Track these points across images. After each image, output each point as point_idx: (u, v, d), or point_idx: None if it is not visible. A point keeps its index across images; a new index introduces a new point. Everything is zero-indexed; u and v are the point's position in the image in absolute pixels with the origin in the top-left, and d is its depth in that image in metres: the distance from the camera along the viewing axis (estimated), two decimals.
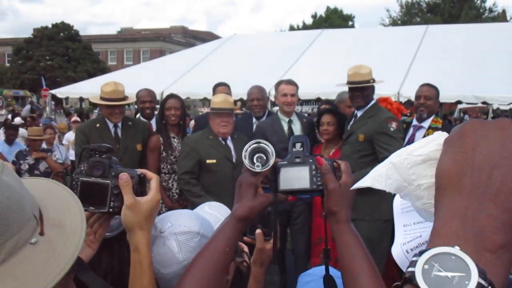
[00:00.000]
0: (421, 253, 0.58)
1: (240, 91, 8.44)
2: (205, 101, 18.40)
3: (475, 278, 0.54)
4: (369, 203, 4.54)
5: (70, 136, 11.64)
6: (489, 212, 0.59)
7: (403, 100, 9.99)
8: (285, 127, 5.44)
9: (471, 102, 11.17)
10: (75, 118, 14.80)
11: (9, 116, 19.04)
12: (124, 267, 2.43)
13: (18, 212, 1.05)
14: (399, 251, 1.32)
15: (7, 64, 60.10)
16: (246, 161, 1.31)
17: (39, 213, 1.13)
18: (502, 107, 14.50)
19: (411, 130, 5.35)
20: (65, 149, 9.41)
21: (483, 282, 0.54)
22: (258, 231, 1.77)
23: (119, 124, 5.26)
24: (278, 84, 5.69)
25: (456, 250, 0.56)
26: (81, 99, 15.70)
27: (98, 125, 5.27)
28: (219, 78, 7.14)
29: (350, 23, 52.02)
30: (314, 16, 52.96)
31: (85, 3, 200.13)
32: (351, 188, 1.19)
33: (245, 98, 7.95)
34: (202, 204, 2.19)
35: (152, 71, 13.66)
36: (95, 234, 1.51)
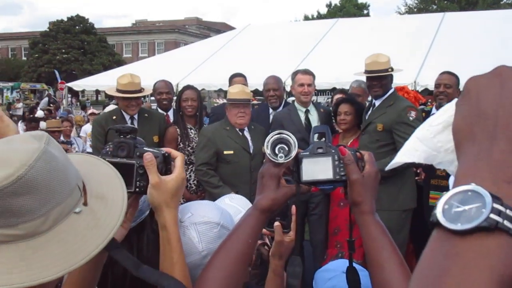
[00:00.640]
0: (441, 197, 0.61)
1: (254, 82, 8.41)
2: (220, 92, 18.40)
3: (489, 204, 0.56)
4: (388, 193, 4.51)
5: (87, 128, 11.72)
6: (501, 148, 0.61)
7: (420, 89, 9.90)
8: (302, 117, 5.41)
9: None
10: (92, 110, 14.91)
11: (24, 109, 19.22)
12: (142, 260, 2.44)
13: (64, 182, 1.10)
14: None
15: (24, 58, 60.68)
16: (268, 152, 1.29)
17: (82, 184, 1.17)
18: None
19: None
20: (83, 141, 9.48)
21: (499, 207, 0.56)
22: (276, 223, 1.75)
23: (136, 116, 5.28)
24: (295, 74, 5.65)
25: (472, 186, 0.58)
26: (97, 92, 15.82)
27: (114, 117, 5.29)
28: (234, 69, 7.12)
29: (365, 11, 51.64)
30: (328, 6, 52.69)
31: None
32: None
33: (260, 88, 7.93)
34: (221, 195, 2.19)
35: (167, 63, 13.68)
36: (127, 214, 1.52)
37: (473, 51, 11.07)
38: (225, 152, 4.84)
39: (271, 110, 5.85)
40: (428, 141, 0.92)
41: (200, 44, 16.38)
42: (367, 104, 5.34)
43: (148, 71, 10.59)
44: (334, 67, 10.77)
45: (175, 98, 6.43)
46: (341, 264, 1.68)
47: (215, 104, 16.48)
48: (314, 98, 5.66)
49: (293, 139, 1.30)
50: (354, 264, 1.42)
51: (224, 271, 1.25)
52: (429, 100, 7.50)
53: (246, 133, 4.97)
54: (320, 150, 1.31)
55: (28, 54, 57.66)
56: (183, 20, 74.05)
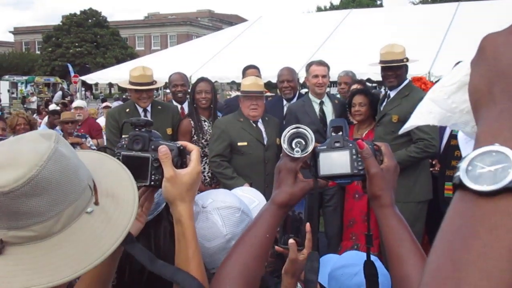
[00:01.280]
0: (462, 158, 0.59)
1: (267, 74, 8.38)
2: (233, 85, 18.40)
3: None
4: (403, 184, 4.48)
5: (101, 121, 11.78)
6: None
7: (434, 80, 9.80)
8: (317, 109, 5.38)
9: None
10: (106, 103, 14.98)
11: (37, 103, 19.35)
12: (160, 253, 2.44)
13: (75, 181, 1.09)
14: None
15: (38, 52, 61.11)
16: (285, 146, 1.28)
17: (93, 183, 1.17)
18: None
19: None
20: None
21: None
22: (291, 241, 1.71)
23: (149, 109, 5.30)
24: (309, 65, 5.62)
25: (495, 146, 0.56)
26: (110, 85, 15.88)
27: (128, 110, 5.32)
28: (246, 61, 7.09)
29: (379, 2, 51.22)
30: None
31: None
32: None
33: (272, 80, 7.90)
34: (236, 187, 2.21)
35: (179, 55, 13.68)
36: (142, 207, 1.51)
37: None
38: (239, 144, 4.84)
39: (285, 102, 5.83)
40: (442, 102, 0.89)
41: (213, 37, 16.35)
42: (381, 94, 5.31)
43: (160, 64, 10.61)
44: (347, 58, 10.67)
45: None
46: (359, 257, 1.66)
47: (228, 97, 16.48)
48: (327, 89, 5.63)
49: (310, 134, 1.29)
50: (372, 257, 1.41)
51: (242, 266, 1.24)
52: None
53: (260, 125, 4.96)
54: (337, 144, 1.30)
55: (41, 48, 58.08)
56: (195, 12, 74.09)
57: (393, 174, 1.28)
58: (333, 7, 47.94)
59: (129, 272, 1.87)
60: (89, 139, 7.57)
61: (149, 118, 5.26)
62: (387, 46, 4.97)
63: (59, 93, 27.21)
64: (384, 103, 4.98)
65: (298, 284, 1.79)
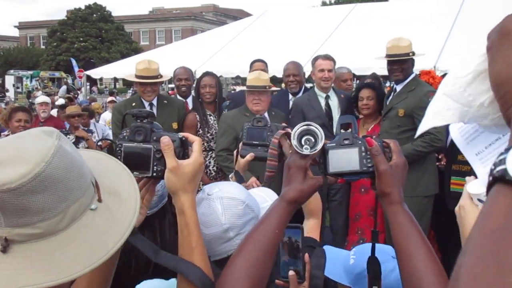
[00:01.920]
0: (506, 150, 0.54)
1: (272, 68, 8.36)
2: (237, 80, 18.37)
3: None
4: (410, 179, 4.45)
5: (106, 115, 11.81)
6: None
7: (439, 74, 9.74)
8: (322, 103, 5.37)
9: None
10: (111, 98, 15.00)
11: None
12: (166, 244, 2.45)
13: (80, 178, 1.09)
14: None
15: (43, 46, 61.20)
16: (294, 143, 1.28)
17: (95, 180, 1.17)
18: None
19: None
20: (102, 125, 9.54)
21: None
22: (291, 273, 1.68)
23: (154, 103, 5.31)
24: (315, 60, 5.60)
25: None
26: (115, 79, 15.89)
27: (134, 104, 5.34)
28: (251, 55, 7.09)
29: None
30: None
31: None
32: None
33: (277, 75, 7.88)
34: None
35: (184, 50, 13.66)
36: (143, 200, 1.51)
37: None
38: None
39: (290, 96, 5.82)
40: (459, 96, 0.85)
41: (217, 31, 16.32)
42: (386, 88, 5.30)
43: (165, 59, 10.59)
44: (352, 53, 10.65)
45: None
46: (384, 251, 1.65)
47: (232, 91, 16.43)
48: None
49: (320, 131, 1.29)
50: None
51: (251, 260, 1.25)
52: None
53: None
54: (346, 141, 1.31)
55: (46, 42, 58.17)
56: (200, 7, 73.96)
57: (402, 171, 1.29)
58: (338, 2, 47.76)
59: (135, 265, 1.87)
60: (94, 134, 7.57)
61: (155, 112, 5.28)
62: (393, 40, 4.96)
63: (64, 87, 27.29)
64: (391, 97, 4.97)
65: None
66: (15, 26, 71.81)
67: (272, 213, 1.30)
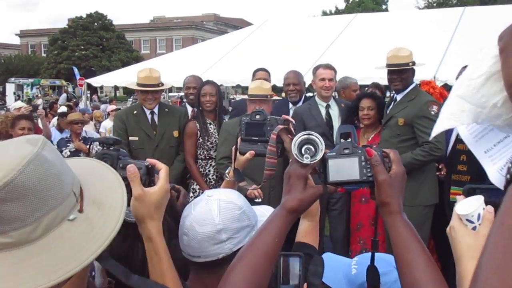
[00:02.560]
0: None
1: (272, 77, 8.37)
2: (238, 88, 18.41)
3: None
4: (409, 188, 4.47)
5: (107, 124, 11.84)
6: None
7: (439, 84, 9.77)
8: (323, 112, 5.39)
9: None
10: (113, 106, 15.03)
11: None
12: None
13: (57, 187, 1.06)
14: (501, 178, 1.25)
15: (44, 54, 61.35)
16: (294, 152, 1.29)
17: (79, 190, 1.15)
18: None
19: None
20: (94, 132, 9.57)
21: None
22: None
23: (156, 111, 5.33)
24: (316, 69, 5.63)
25: None
26: (116, 88, 15.91)
27: (135, 112, 5.36)
28: (251, 65, 7.12)
29: (384, 6, 51.24)
30: (347, 0, 52.33)
31: None
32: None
33: (277, 84, 7.90)
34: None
35: (185, 59, 13.71)
36: None
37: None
38: None
39: (290, 105, 5.83)
40: (472, 97, 0.87)
41: (218, 40, 16.39)
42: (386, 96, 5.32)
43: (166, 67, 10.63)
44: (353, 62, 10.69)
45: None
46: (387, 261, 1.66)
47: (232, 100, 16.43)
48: (334, 93, 5.65)
49: (320, 141, 1.30)
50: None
51: (250, 267, 1.25)
52: None
53: None
54: (346, 151, 1.31)
55: (47, 50, 58.31)
56: (201, 16, 74.24)
57: (401, 181, 1.29)
58: (338, 12, 47.96)
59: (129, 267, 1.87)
60: (96, 142, 7.52)
61: (156, 120, 5.31)
62: (393, 50, 4.99)
63: (64, 95, 27.27)
64: (391, 107, 4.99)
65: None
66: (16, 34, 72.07)
67: (273, 221, 1.30)
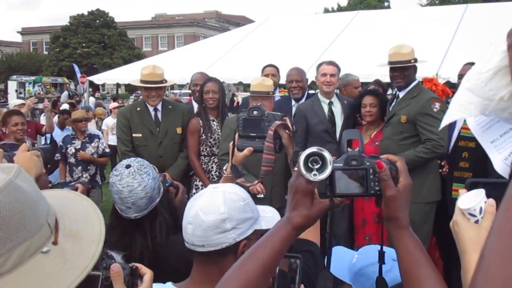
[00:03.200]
0: None
1: None
2: (239, 86, 18.40)
3: None
4: (412, 185, 4.48)
5: (109, 121, 11.86)
6: None
7: (441, 81, 9.77)
8: (326, 109, 5.40)
9: None
10: (115, 103, 15.04)
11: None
12: (157, 246, 2.48)
13: (30, 218, 1.01)
14: (505, 168, 1.26)
15: (45, 52, 61.36)
16: (301, 167, 1.24)
17: (55, 222, 1.10)
18: None
19: None
20: (104, 135, 9.58)
21: None
22: None
23: (159, 108, 5.35)
24: (320, 65, 5.66)
25: None
26: (118, 85, 15.91)
27: (138, 108, 5.38)
28: (253, 62, 7.14)
29: (386, 4, 51.12)
30: None
31: None
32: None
33: (280, 81, 7.90)
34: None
35: (186, 56, 13.70)
36: None
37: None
38: None
39: (293, 102, 5.84)
40: (480, 91, 0.90)
41: (220, 37, 16.36)
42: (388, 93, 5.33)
43: (168, 65, 10.63)
44: (355, 59, 10.68)
45: None
46: (390, 253, 1.68)
47: (235, 98, 16.44)
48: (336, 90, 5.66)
49: (329, 156, 1.25)
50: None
51: (247, 275, 1.24)
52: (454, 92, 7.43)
53: None
54: (354, 162, 1.28)
55: (49, 48, 58.33)
56: (202, 13, 74.16)
57: (408, 193, 1.27)
58: (340, 9, 47.89)
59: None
60: (102, 140, 7.51)
61: (159, 117, 5.33)
62: (395, 47, 4.99)
63: (65, 93, 27.29)
64: (393, 104, 5.00)
65: None
66: (18, 32, 72.09)
67: (277, 234, 1.28)
